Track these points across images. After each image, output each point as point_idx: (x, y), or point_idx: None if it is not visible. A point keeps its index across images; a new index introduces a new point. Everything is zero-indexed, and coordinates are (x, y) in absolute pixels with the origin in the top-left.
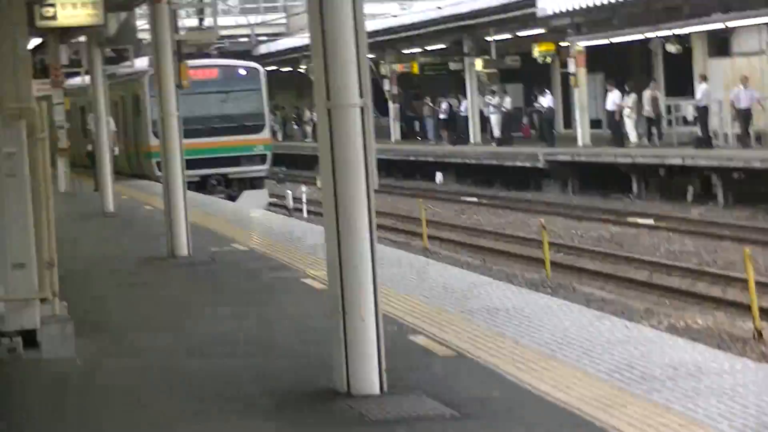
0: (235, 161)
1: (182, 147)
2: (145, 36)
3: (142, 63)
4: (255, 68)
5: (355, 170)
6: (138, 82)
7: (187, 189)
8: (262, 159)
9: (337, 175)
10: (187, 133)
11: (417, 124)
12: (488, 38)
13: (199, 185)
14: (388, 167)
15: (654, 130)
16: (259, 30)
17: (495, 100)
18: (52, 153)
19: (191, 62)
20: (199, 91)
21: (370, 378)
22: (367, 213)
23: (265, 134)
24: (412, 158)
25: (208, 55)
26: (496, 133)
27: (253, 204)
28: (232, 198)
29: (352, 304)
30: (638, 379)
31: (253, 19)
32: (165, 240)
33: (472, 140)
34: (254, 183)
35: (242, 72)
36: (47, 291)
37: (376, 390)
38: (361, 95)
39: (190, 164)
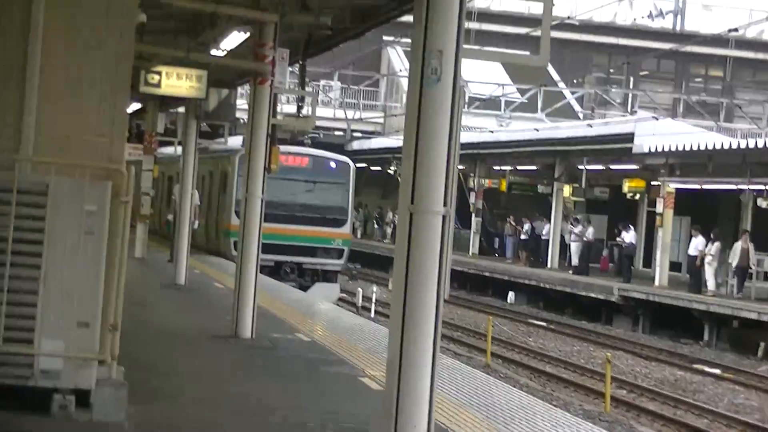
0: (312, 252)
1: (261, 230)
2: (241, 115)
3: (235, 141)
4: (346, 163)
5: (428, 276)
6: (228, 160)
7: (259, 272)
8: (339, 253)
9: (409, 279)
10: (269, 217)
11: (497, 241)
12: (580, 166)
13: (273, 270)
14: (461, 279)
15: (735, 281)
16: (354, 126)
17: (578, 228)
18: (133, 218)
19: (284, 147)
20: (288, 177)
21: None
22: (433, 320)
23: (346, 229)
24: (486, 274)
25: (301, 143)
26: (575, 261)
27: (323, 297)
28: (304, 288)
29: (406, 408)
30: None
31: (351, 114)
32: (230, 319)
33: (549, 265)
34: (327, 276)
35: (332, 165)
36: (107, 353)
37: None
38: (445, 203)
39: (266, 248)
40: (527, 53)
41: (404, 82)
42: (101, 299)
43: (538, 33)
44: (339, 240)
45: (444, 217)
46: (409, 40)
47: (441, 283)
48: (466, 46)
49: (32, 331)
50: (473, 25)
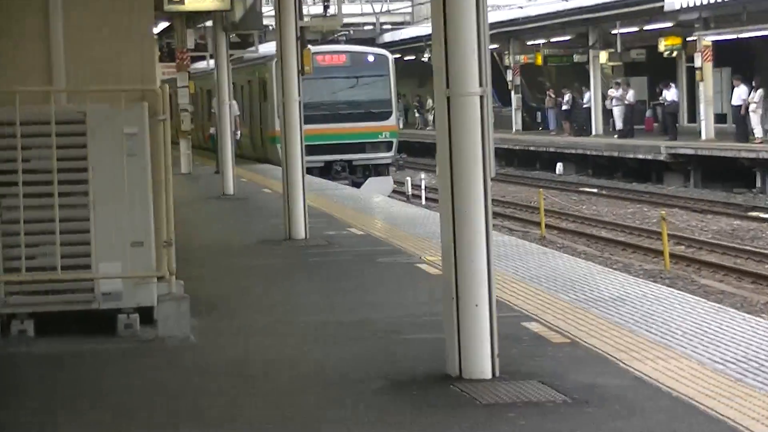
0: (360, 148)
1: (302, 132)
2: (270, 22)
3: (269, 48)
4: (383, 55)
5: (472, 158)
6: (265, 67)
7: (311, 174)
8: (387, 146)
9: (454, 163)
10: (314, 119)
11: (539, 115)
12: (614, 31)
13: (323, 171)
14: (508, 157)
15: None
16: (383, 18)
17: (618, 92)
18: (175, 135)
19: (320, 48)
20: (327, 77)
21: (482, 363)
22: (483, 200)
23: (392, 121)
24: (532, 148)
25: (336, 42)
26: (619, 125)
27: (377, 191)
28: (356, 184)
29: (466, 289)
30: (757, 372)
31: (378, 7)
32: (282, 223)
33: (593, 132)
34: (379, 170)
35: (371, 58)
36: (164, 269)
37: (488, 375)
38: (480, 84)
39: (314, 150)
40: None
41: None
42: (152, 217)
43: None
44: (386, 133)
45: (481, 97)
46: None
47: (486, 162)
48: None
49: (89, 257)
50: None
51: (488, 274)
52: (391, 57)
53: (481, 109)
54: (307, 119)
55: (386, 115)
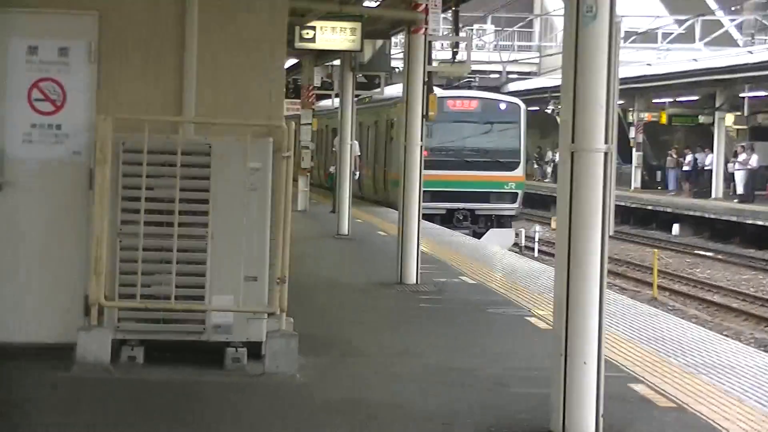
0: (485, 197)
1: (422, 176)
2: (396, 64)
3: (397, 90)
4: (516, 104)
5: (592, 214)
6: (394, 108)
7: (431, 221)
8: (512, 197)
9: (573, 218)
10: (439, 164)
11: (659, 174)
12: (742, 94)
13: (445, 218)
14: (624, 214)
15: None
16: (510, 68)
17: (742, 156)
18: (294, 171)
19: (451, 92)
20: (456, 122)
21: (586, 421)
22: (599, 258)
23: (519, 172)
24: (650, 207)
25: (465, 87)
26: (740, 189)
27: (497, 243)
28: (477, 235)
29: (575, 345)
30: None
31: (505, 56)
32: (394, 266)
33: (713, 195)
34: (501, 221)
35: (503, 106)
36: (276, 306)
37: None
38: (606, 140)
39: (437, 196)
40: None
41: (558, 21)
42: (268, 253)
43: None
44: (512, 183)
45: (606, 154)
46: None
47: (605, 219)
48: None
49: (203, 288)
50: None
51: (599, 332)
52: (523, 106)
53: (604, 166)
54: (432, 164)
55: (514, 165)
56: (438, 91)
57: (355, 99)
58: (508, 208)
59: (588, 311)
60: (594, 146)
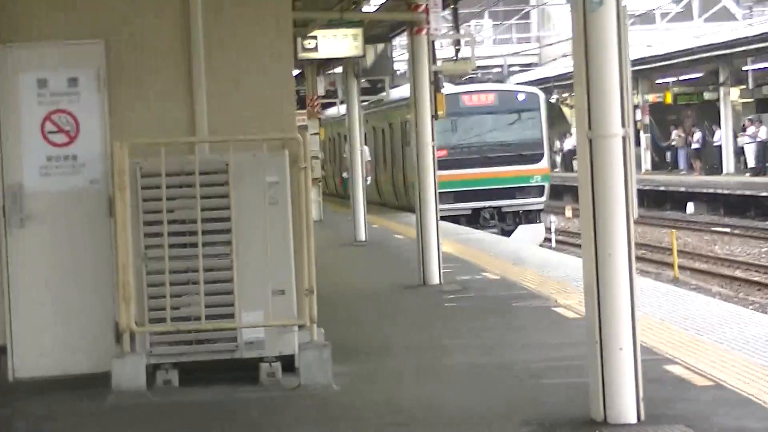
0: (510, 193)
1: (436, 176)
2: (399, 67)
3: (406, 91)
4: (535, 93)
5: (615, 200)
6: (407, 109)
7: (457, 223)
8: (539, 191)
9: (597, 205)
10: (460, 163)
11: (669, 154)
12: (745, 68)
13: (471, 219)
14: (638, 197)
15: None
16: (510, 60)
17: (751, 129)
18: None
19: (466, 87)
20: (475, 118)
21: (627, 407)
22: (626, 242)
23: (544, 164)
24: (662, 188)
25: (472, 82)
26: (751, 163)
27: (528, 239)
28: (506, 233)
29: (610, 332)
30: None
31: (505, 49)
32: (416, 268)
33: (725, 170)
34: (530, 216)
35: (521, 97)
36: (305, 317)
37: (634, 419)
38: (623, 125)
39: (461, 196)
40: None
41: (554, 11)
42: (293, 265)
43: None
44: (538, 176)
45: (624, 138)
46: None
47: (629, 204)
48: None
49: (232, 306)
50: None
51: (632, 317)
52: (542, 95)
53: (624, 151)
54: (453, 164)
55: (538, 158)
56: (453, 88)
57: (366, 103)
58: (536, 203)
59: (619, 297)
60: (611, 131)
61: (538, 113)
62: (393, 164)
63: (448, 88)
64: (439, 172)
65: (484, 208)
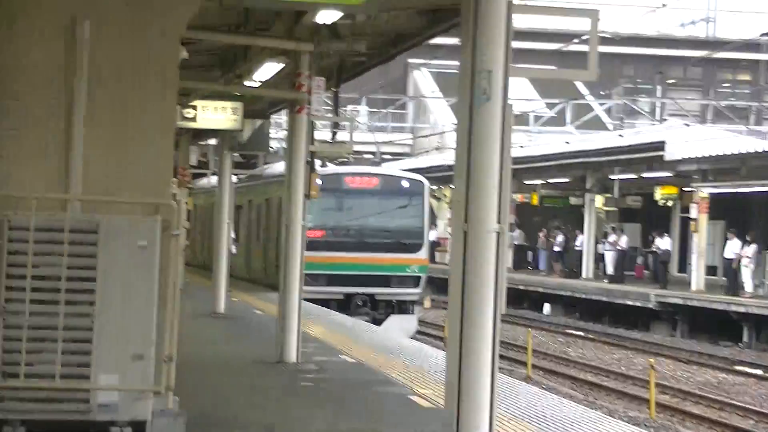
0: (385, 281)
1: (303, 256)
2: (273, 144)
3: (280, 168)
4: (420, 181)
5: (485, 294)
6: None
7: (327, 307)
8: (415, 281)
9: (466, 297)
10: (336, 246)
11: (530, 255)
12: (612, 176)
13: (342, 304)
14: None
15: None
16: (384, 148)
17: (612, 237)
18: None
19: (351, 168)
20: (356, 201)
21: None
22: (491, 336)
23: (422, 254)
24: (521, 287)
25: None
26: (609, 270)
27: (399, 330)
28: (377, 322)
29: (467, 423)
30: None
31: (380, 137)
32: (274, 344)
33: (584, 275)
34: (403, 307)
35: (406, 184)
36: (162, 384)
37: None
38: (498, 221)
39: (334, 280)
40: (565, 69)
41: (431, 103)
42: (155, 331)
43: (570, 48)
44: (415, 266)
45: (498, 234)
46: (437, 62)
47: (498, 299)
48: (513, 65)
49: (88, 366)
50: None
51: (490, 411)
52: (427, 184)
53: (497, 246)
54: (329, 246)
55: (417, 247)
56: (336, 168)
57: (245, 176)
58: (411, 293)
59: (481, 391)
60: (487, 227)
61: (421, 201)
62: (267, 240)
63: (330, 168)
64: (314, 253)
65: (357, 294)
